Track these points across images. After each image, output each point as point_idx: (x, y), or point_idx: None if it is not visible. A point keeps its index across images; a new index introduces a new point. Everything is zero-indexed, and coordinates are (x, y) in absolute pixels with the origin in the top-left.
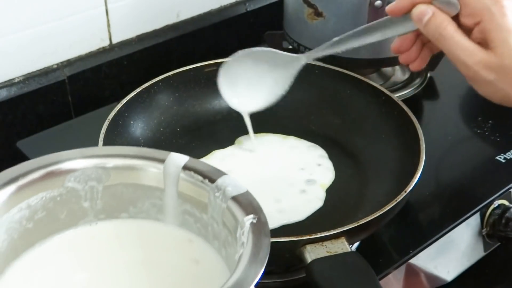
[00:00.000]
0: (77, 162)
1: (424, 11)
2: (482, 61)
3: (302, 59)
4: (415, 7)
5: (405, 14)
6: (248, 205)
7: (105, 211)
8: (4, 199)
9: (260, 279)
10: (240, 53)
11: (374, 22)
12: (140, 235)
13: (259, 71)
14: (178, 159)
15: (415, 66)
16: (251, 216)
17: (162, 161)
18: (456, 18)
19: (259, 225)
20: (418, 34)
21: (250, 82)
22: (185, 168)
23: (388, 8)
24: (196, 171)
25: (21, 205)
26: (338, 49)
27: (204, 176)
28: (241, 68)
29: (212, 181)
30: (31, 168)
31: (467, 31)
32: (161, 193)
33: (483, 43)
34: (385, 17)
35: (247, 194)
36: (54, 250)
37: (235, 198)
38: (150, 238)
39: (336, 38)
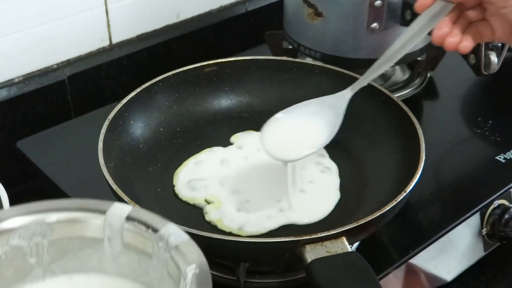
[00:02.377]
0: (19, 219)
1: None
2: None
3: (347, 94)
4: None
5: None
6: (190, 255)
7: (52, 266)
8: None
9: None
10: (279, 113)
11: (406, 33)
12: None
13: (305, 120)
14: (121, 209)
15: (464, 46)
16: (193, 266)
17: (105, 212)
18: None
19: (201, 275)
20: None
21: (296, 133)
22: (129, 218)
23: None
24: (139, 221)
25: None
26: (380, 71)
27: (148, 226)
28: (285, 124)
29: (156, 230)
30: None
31: None
32: (106, 244)
33: None
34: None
35: (189, 242)
36: None
37: (177, 248)
38: None
39: (377, 63)
